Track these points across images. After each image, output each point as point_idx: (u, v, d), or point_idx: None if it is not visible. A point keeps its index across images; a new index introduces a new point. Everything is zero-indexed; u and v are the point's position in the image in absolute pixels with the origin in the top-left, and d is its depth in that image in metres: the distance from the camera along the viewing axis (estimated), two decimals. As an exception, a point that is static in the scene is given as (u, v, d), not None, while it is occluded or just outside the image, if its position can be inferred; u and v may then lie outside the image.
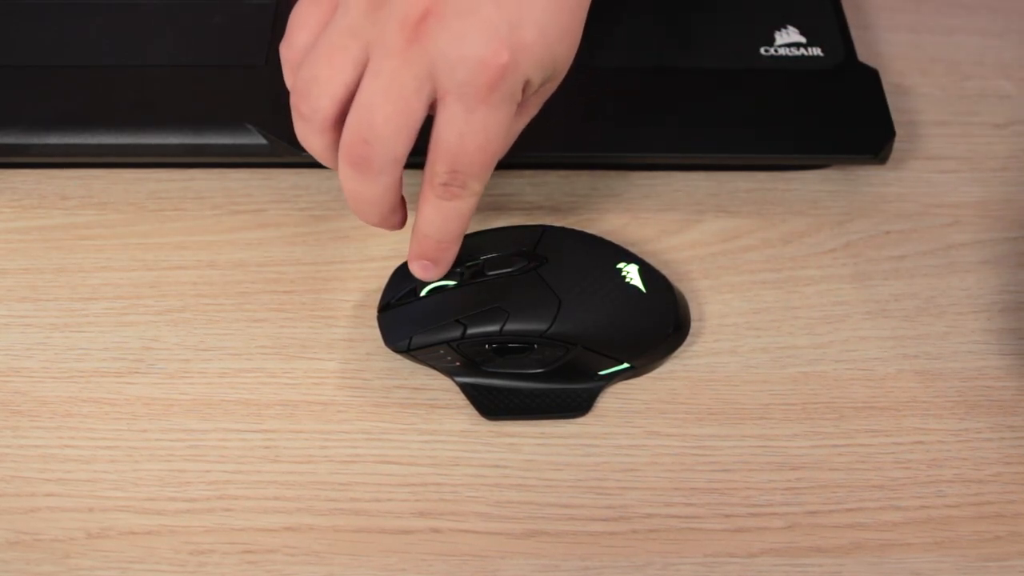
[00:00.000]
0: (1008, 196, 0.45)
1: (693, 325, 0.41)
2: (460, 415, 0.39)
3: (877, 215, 0.45)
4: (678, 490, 0.37)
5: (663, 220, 0.44)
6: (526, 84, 0.34)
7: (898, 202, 0.45)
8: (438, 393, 0.39)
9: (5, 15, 0.48)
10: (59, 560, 0.35)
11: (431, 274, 0.37)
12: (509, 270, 0.38)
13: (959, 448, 0.38)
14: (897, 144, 0.44)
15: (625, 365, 0.39)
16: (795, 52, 0.46)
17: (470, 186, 0.34)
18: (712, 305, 0.42)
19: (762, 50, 0.46)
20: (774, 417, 0.39)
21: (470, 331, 0.37)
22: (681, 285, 0.42)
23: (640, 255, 0.41)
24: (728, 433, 0.38)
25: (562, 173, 0.46)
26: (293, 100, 0.34)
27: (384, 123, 0.33)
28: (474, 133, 0.33)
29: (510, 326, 0.37)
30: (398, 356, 0.40)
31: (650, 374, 0.40)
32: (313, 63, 0.33)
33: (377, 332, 0.40)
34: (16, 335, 0.41)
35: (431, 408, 0.39)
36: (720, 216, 0.44)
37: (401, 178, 0.34)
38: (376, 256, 0.43)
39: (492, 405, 0.39)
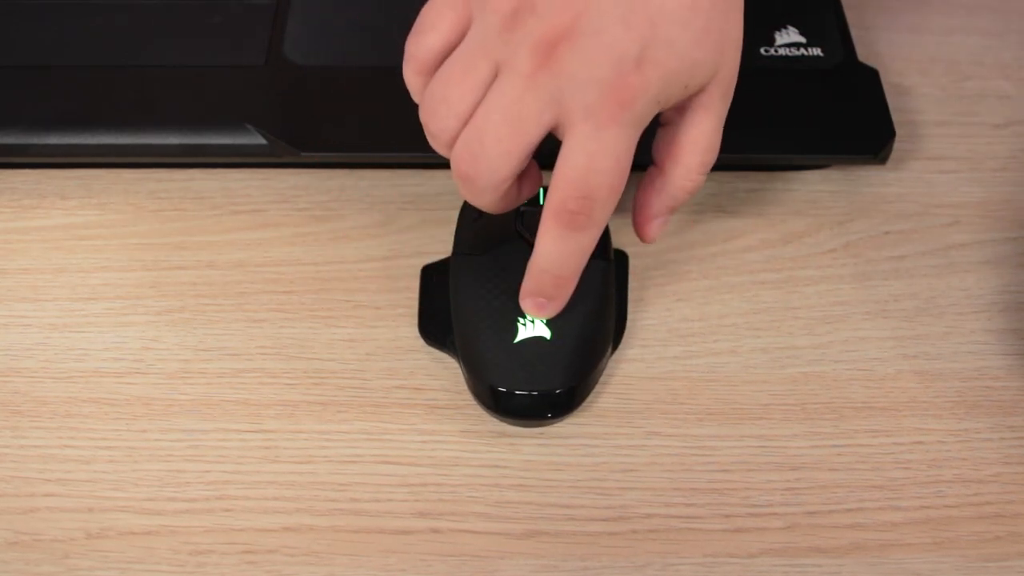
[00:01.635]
0: (1008, 196, 0.45)
1: (693, 326, 0.41)
2: (460, 415, 0.39)
3: (877, 215, 0.44)
4: (678, 490, 0.37)
5: (663, 220, 0.44)
6: (660, 102, 0.33)
7: (898, 202, 0.45)
8: (438, 393, 0.39)
9: (5, 15, 0.48)
10: (58, 560, 0.35)
11: (545, 312, 0.37)
12: None
13: (959, 448, 0.38)
14: (897, 144, 0.44)
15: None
16: (795, 52, 0.46)
17: (597, 215, 0.34)
18: (712, 305, 0.42)
19: (762, 50, 0.46)
20: (774, 417, 0.39)
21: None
22: (681, 285, 0.42)
23: (640, 255, 0.41)
24: (728, 433, 0.38)
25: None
26: (423, 116, 0.35)
27: (495, 144, 0.33)
28: (604, 153, 0.33)
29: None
30: (398, 356, 0.40)
31: (649, 374, 0.40)
32: (445, 82, 0.34)
33: (376, 333, 0.40)
34: (16, 335, 0.41)
35: (431, 408, 0.39)
36: (720, 216, 0.44)
37: (512, 187, 0.35)
38: (376, 256, 0.43)
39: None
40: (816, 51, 0.46)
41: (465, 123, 0.33)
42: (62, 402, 0.39)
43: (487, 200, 0.35)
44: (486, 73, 0.33)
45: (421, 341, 0.40)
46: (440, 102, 0.34)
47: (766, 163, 0.45)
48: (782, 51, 0.46)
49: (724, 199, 0.45)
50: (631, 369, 0.40)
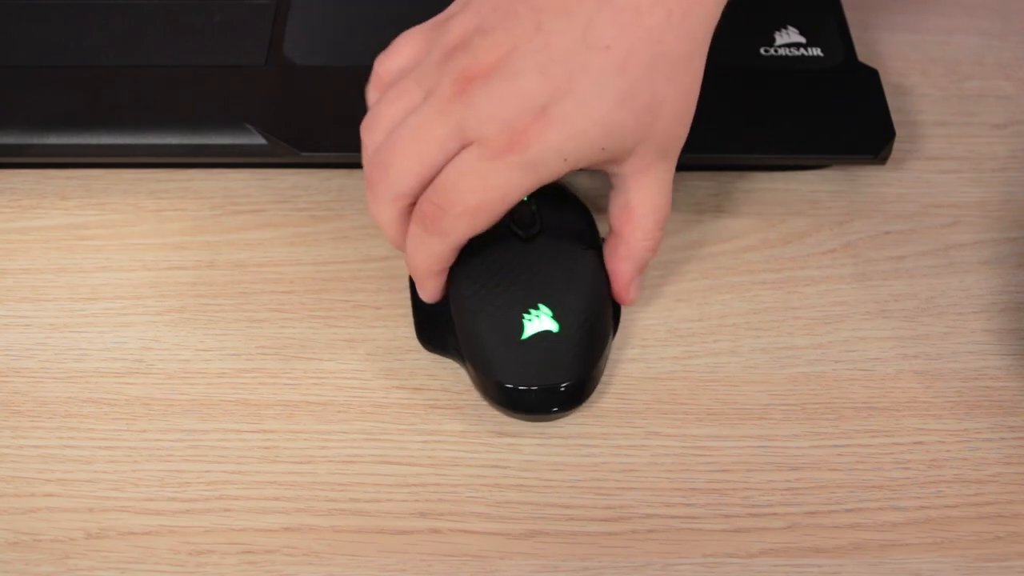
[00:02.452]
0: (1008, 196, 0.45)
1: (693, 326, 0.41)
2: (459, 415, 0.39)
3: (877, 215, 0.44)
4: (678, 490, 0.37)
5: (663, 220, 0.44)
6: (566, 159, 0.34)
7: (898, 202, 0.45)
8: (437, 393, 0.39)
9: (5, 15, 0.48)
10: (58, 560, 0.35)
11: (423, 297, 0.39)
12: None
13: (959, 448, 0.38)
14: (897, 144, 0.44)
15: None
16: (795, 52, 0.46)
17: (445, 225, 0.35)
18: (712, 305, 0.42)
19: (762, 50, 0.46)
20: (774, 417, 0.39)
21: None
22: (681, 285, 0.42)
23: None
24: (727, 433, 0.38)
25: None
26: (361, 127, 0.37)
27: (400, 158, 0.35)
28: (474, 176, 0.34)
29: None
30: (398, 357, 0.40)
31: (649, 374, 0.40)
32: (385, 102, 0.36)
33: (376, 333, 0.40)
34: (16, 335, 0.41)
35: (430, 408, 0.39)
36: (720, 216, 0.44)
37: (406, 215, 0.36)
38: (375, 256, 0.43)
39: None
40: (816, 51, 0.46)
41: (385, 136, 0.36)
42: (62, 402, 0.39)
43: (384, 214, 0.36)
44: (417, 98, 0.35)
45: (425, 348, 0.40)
46: (375, 118, 0.37)
47: (766, 163, 0.45)
48: (782, 51, 0.46)
49: (724, 199, 0.45)
50: (631, 369, 0.40)
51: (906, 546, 0.36)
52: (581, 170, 0.36)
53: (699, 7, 0.35)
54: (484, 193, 0.34)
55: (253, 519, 0.36)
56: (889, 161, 0.44)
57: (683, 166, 0.45)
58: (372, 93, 0.39)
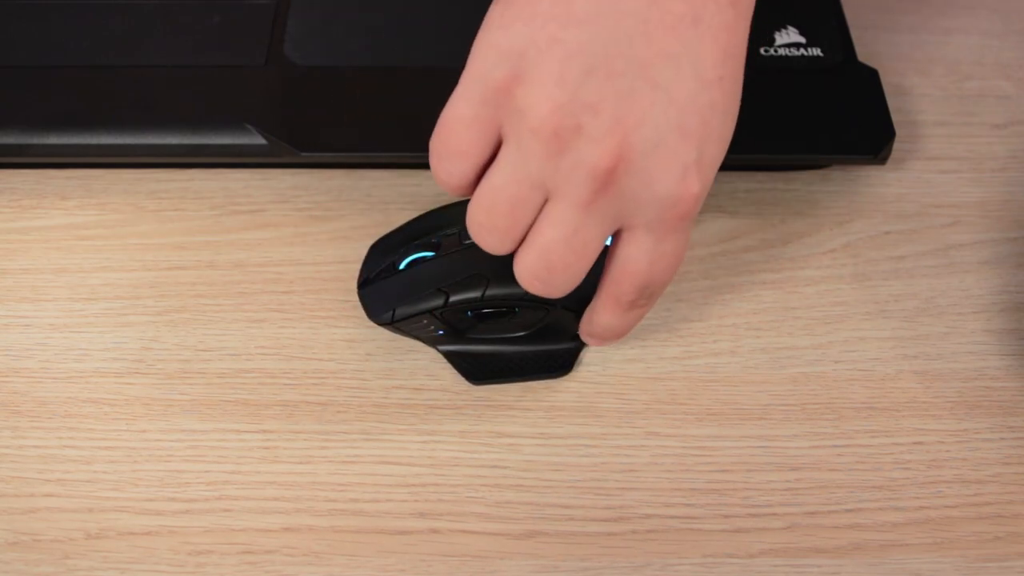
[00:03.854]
0: (1008, 196, 0.45)
1: (693, 326, 0.41)
2: (459, 416, 0.39)
3: (877, 215, 0.44)
4: (677, 491, 0.37)
5: (663, 220, 0.44)
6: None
7: (898, 202, 0.45)
8: (437, 394, 0.39)
9: (5, 15, 0.48)
10: (58, 561, 0.35)
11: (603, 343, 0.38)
12: None
13: (958, 449, 0.38)
14: (897, 144, 0.44)
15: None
16: (795, 52, 0.46)
17: (655, 298, 0.35)
18: (712, 305, 0.42)
19: (762, 50, 0.46)
20: (773, 418, 0.39)
21: (452, 299, 0.37)
22: (681, 285, 0.42)
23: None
24: (727, 434, 0.38)
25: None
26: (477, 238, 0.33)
27: (564, 271, 0.32)
28: (665, 258, 0.33)
29: (491, 291, 0.37)
30: (398, 357, 0.40)
31: (648, 375, 0.40)
32: (490, 212, 0.32)
33: (376, 333, 0.40)
34: (16, 335, 0.41)
35: (430, 409, 0.39)
36: (720, 216, 0.44)
37: None
38: (375, 256, 0.43)
39: (477, 370, 0.39)
40: (816, 51, 0.46)
41: (518, 244, 0.33)
42: (62, 402, 0.39)
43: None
44: (537, 202, 0.32)
45: (421, 342, 0.40)
46: (489, 231, 0.32)
47: (766, 163, 0.45)
48: (782, 51, 0.46)
49: (724, 199, 0.45)
50: (631, 369, 0.40)
51: (906, 546, 0.36)
52: None
53: (751, 8, 0.34)
54: (678, 261, 0.34)
55: (253, 519, 0.36)
56: (889, 161, 0.44)
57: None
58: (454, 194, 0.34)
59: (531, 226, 0.32)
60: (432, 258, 0.38)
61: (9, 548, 0.36)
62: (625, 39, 0.30)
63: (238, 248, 0.43)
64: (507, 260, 0.34)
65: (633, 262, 0.33)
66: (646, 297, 0.35)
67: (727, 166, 0.45)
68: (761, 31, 0.47)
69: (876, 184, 0.46)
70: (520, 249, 0.33)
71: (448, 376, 0.40)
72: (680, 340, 0.41)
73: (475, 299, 0.37)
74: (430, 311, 0.38)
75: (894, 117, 0.44)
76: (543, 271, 0.32)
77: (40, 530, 0.36)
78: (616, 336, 0.37)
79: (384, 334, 0.40)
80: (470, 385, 0.39)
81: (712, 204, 0.45)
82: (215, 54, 0.46)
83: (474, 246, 0.35)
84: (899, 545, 0.36)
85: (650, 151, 0.31)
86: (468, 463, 0.38)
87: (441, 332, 0.39)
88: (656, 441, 0.38)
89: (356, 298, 0.41)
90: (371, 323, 0.40)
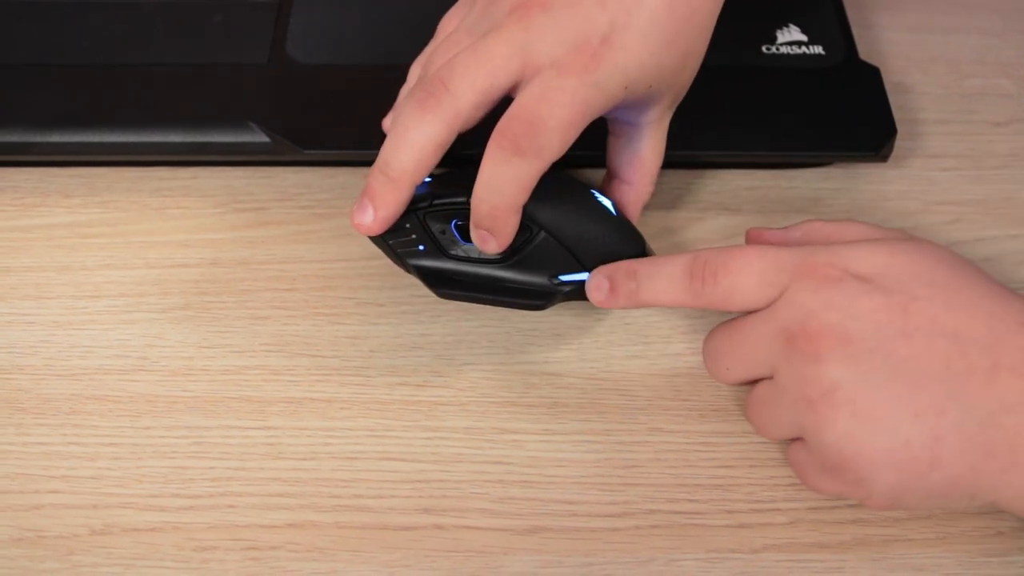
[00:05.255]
0: (1009, 194, 0.45)
1: (696, 322, 0.41)
2: (463, 412, 0.39)
3: (878, 213, 0.45)
4: (681, 486, 0.37)
5: (665, 218, 0.44)
6: (627, 87, 0.35)
7: (899, 200, 0.45)
8: (441, 390, 0.39)
9: (7, 15, 0.48)
10: (63, 557, 0.35)
11: (489, 246, 0.37)
12: None
13: (961, 444, 0.38)
14: (898, 142, 0.44)
15: (587, 275, 0.38)
16: (797, 50, 0.47)
17: (540, 141, 0.34)
18: (714, 302, 0.42)
19: (764, 48, 0.47)
20: (776, 414, 0.39)
21: (437, 200, 0.38)
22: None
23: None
24: (731, 429, 0.38)
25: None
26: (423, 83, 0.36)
27: (462, 72, 0.35)
28: (561, 92, 0.34)
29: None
30: (402, 354, 0.40)
31: (651, 371, 0.40)
32: (438, 47, 0.38)
33: (379, 330, 0.40)
34: (19, 333, 0.41)
35: (434, 405, 0.39)
36: (722, 214, 0.45)
37: (447, 142, 0.36)
38: (378, 254, 0.42)
39: (445, 283, 0.38)
40: (817, 49, 0.47)
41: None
42: (66, 399, 0.39)
43: (429, 134, 0.35)
44: (468, 43, 0.36)
45: (426, 338, 0.40)
46: (427, 57, 0.39)
47: (768, 161, 0.46)
48: (784, 49, 0.47)
49: (726, 197, 0.45)
50: (634, 365, 0.40)
51: (909, 541, 0.36)
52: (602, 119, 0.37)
53: None
54: (573, 106, 0.34)
55: (257, 515, 0.36)
56: (890, 159, 0.44)
57: (686, 164, 0.46)
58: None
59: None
60: (429, 180, 0.39)
61: (14, 544, 0.36)
62: None
63: (241, 246, 0.43)
64: None
65: (528, 92, 0.35)
66: (529, 134, 0.34)
67: (729, 163, 0.46)
68: (763, 29, 0.47)
69: (877, 182, 0.46)
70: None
71: (452, 373, 0.40)
72: (683, 336, 0.41)
73: (460, 203, 0.37)
74: (414, 211, 0.37)
75: (895, 115, 0.45)
76: (445, 68, 0.35)
77: (45, 526, 0.36)
78: (496, 199, 0.35)
79: (388, 331, 0.41)
80: (474, 381, 0.39)
81: (714, 202, 0.45)
82: (218, 53, 0.47)
83: (467, 166, 0.36)
84: (902, 540, 0.36)
85: (569, 5, 0.35)
86: (472, 459, 0.38)
87: (423, 247, 0.38)
88: (659, 437, 0.38)
89: (359, 296, 0.42)
90: (374, 320, 0.41)
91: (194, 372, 0.40)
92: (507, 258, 0.38)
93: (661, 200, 0.45)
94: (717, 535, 0.36)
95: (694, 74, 0.38)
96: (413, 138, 0.35)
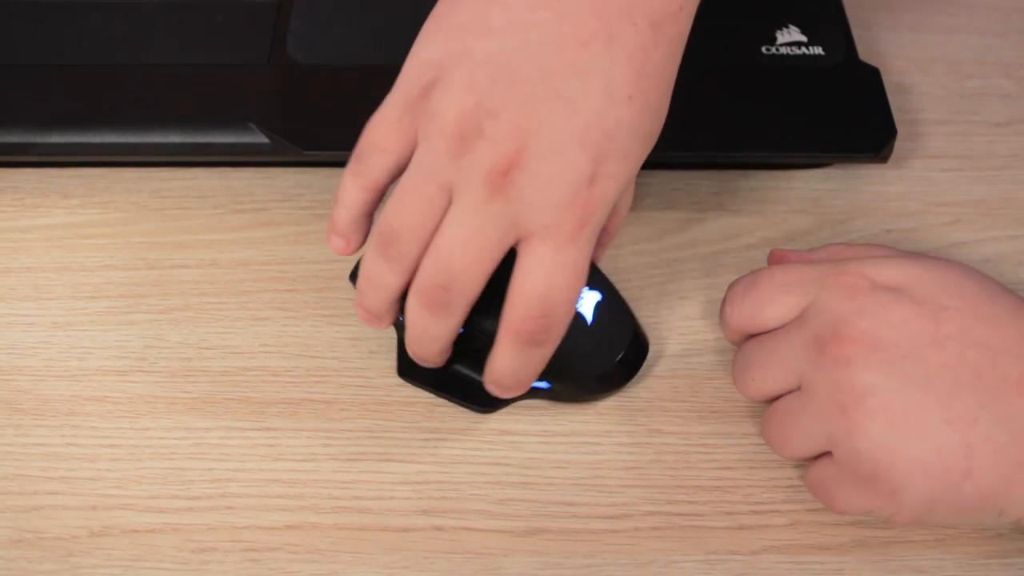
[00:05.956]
0: (1009, 194, 0.45)
1: (695, 323, 0.41)
2: (462, 413, 0.39)
3: (878, 214, 0.45)
4: (680, 488, 0.37)
5: (664, 218, 0.44)
6: (615, 202, 0.33)
7: (899, 201, 0.45)
8: (440, 391, 0.39)
9: (6, 15, 0.48)
10: (61, 558, 0.35)
11: (509, 395, 0.36)
12: None
13: (961, 446, 0.38)
14: (898, 143, 0.44)
15: (543, 384, 0.38)
16: (796, 51, 0.46)
17: (555, 331, 0.34)
18: (714, 303, 0.41)
19: (763, 49, 0.47)
20: (776, 415, 0.39)
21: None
22: (684, 283, 0.42)
23: (642, 253, 0.41)
24: (730, 431, 0.38)
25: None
26: (379, 245, 0.34)
27: (463, 272, 0.33)
28: (563, 270, 0.32)
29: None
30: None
31: (651, 372, 0.40)
32: (399, 212, 0.33)
33: (379, 331, 0.40)
34: (19, 334, 0.41)
35: (433, 406, 0.39)
36: (722, 215, 0.44)
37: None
38: (378, 255, 0.43)
39: (410, 367, 0.38)
40: (817, 50, 0.47)
41: (425, 248, 0.33)
42: (65, 400, 0.39)
43: (450, 325, 0.34)
44: (441, 201, 0.33)
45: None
46: (397, 232, 0.33)
47: (768, 162, 0.46)
48: (783, 50, 0.47)
49: (726, 197, 0.45)
50: (633, 367, 0.40)
51: (908, 543, 0.36)
52: None
53: (681, 35, 0.34)
54: (578, 279, 0.33)
55: (256, 517, 0.36)
56: (890, 159, 0.44)
57: (685, 164, 0.46)
58: (361, 193, 0.35)
59: (435, 230, 0.33)
60: None
61: (13, 546, 0.36)
62: (535, 49, 0.32)
63: (241, 246, 0.43)
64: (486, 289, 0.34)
65: (530, 276, 0.32)
66: (546, 327, 0.33)
67: (729, 164, 0.46)
68: (762, 30, 0.47)
69: (877, 182, 0.46)
70: (425, 254, 0.33)
71: (451, 374, 0.40)
72: (682, 337, 0.41)
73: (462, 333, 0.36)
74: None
75: (895, 115, 0.44)
76: (444, 273, 0.33)
77: (43, 528, 0.36)
78: (517, 383, 0.35)
79: (387, 332, 0.40)
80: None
81: (714, 202, 0.45)
82: (218, 53, 0.47)
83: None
84: (901, 542, 0.36)
85: (547, 156, 0.31)
86: (471, 460, 0.38)
87: (402, 318, 0.36)
88: (659, 438, 0.38)
89: (359, 296, 0.41)
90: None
91: (193, 373, 0.40)
92: (467, 357, 0.38)
93: (661, 200, 0.45)
94: (716, 537, 0.36)
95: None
96: (435, 336, 0.35)
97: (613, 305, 0.38)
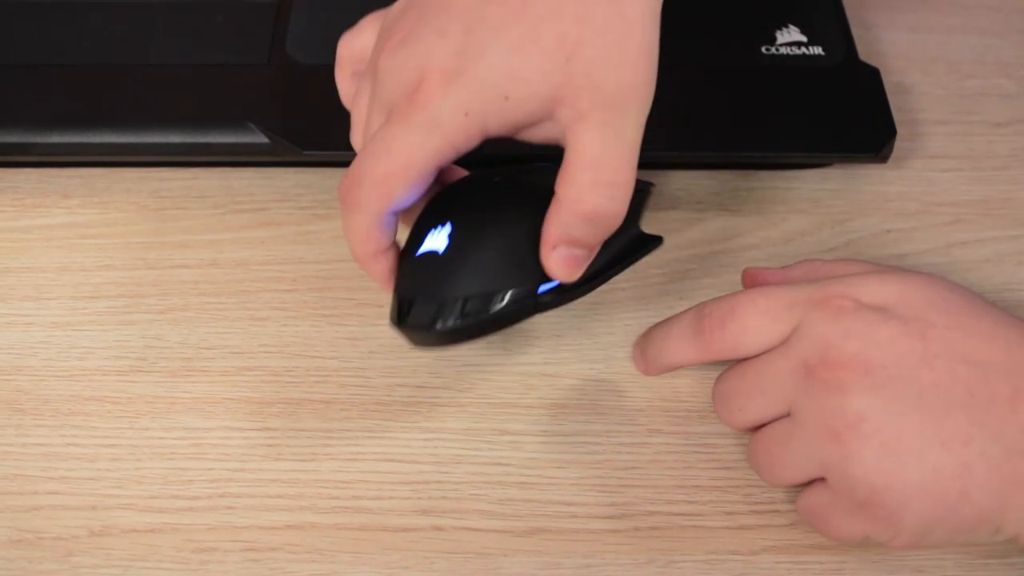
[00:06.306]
0: (1009, 194, 0.45)
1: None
2: (462, 413, 0.39)
3: (878, 214, 0.45)
4: (680, 488, 0.37)
5: (664, 219, 0.44)
6: (477, 112, 0.32)
7: (899, 200, 0.45)
8: (440, 391, 0.39)
9: (7, 15, 0.48)
10: (61, 558, 0.35)
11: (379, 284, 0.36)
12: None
13: (961, 446, 0.38)
14: (898, 143, 0.44)
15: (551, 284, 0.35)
16: (796, 51, 0.46)
17: (361, 201, 0.33)
18: (714, 303, 0.42)
19: (763, 49, 0.47)
20: (776, 415, 0.39)
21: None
22: (684, 283, 0.42)
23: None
24: (730, 431, 0.38)
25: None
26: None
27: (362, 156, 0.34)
28: (379, 142, 0.33)
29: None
30: (400, 355, 0.40)
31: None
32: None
33: (379, 331, 0.40)
34: (19, 334, 0.41)
35: (433, 406, 0.39)
36: (721, 215, 0.44)
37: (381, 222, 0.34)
38: (378, 255, 0.43)
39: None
40: (817, 50, 0.46)
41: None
42: (65, 400, 0.39)
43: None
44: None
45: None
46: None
47: (767, 161, 0.46)
48: (783, 50, 0.47)
49: (725, 197, 0.45)
50: (633, 367, 0.40)
51: (908, 543, 0.36)
52: (528, 142, 0.34)
53: None
54: (389, 158, 0.32)
55: (256, 517, 0.36)
56: (890, 159, 0.44)
57: (685, 164, 0.46)
58: (346, 80, 0.39)
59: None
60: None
61: (12, 546, 0.36)
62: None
63: (241, 246, 0.43)
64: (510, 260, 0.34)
65: (367, 145, 0.34)
66: (352, 190, 0.33)
67: (729, 164, 0.46)
68: (762, 30, 0.47)
69: (877, 182, 0.46)
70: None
71: (451, 374, 0.40)
72: (682, 338, 0.41)
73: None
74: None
75: (895, 115, 0.44)
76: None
77: (43, 528, 0.36)
78: (354, 257, 0.35)
79: (387, 332, 0.40)
80: (473, 382, 0.39)
81: (714, 202, 0.45)
82: (217, 53, 0.46)
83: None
84: (901, 542, 0.36)
85: (411, 43, 0.33)
86: (471, 460, 0.38)
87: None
88: (659, 438, 0.38)
89: (359, 297, 0.42)
90: (374, 322, 0.41)
91: (193, 373, 0.40)
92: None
93: (661, 200, 0.45)
94: (716, 537, 0.36)
95: (611, 62, 0.32)
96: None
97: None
